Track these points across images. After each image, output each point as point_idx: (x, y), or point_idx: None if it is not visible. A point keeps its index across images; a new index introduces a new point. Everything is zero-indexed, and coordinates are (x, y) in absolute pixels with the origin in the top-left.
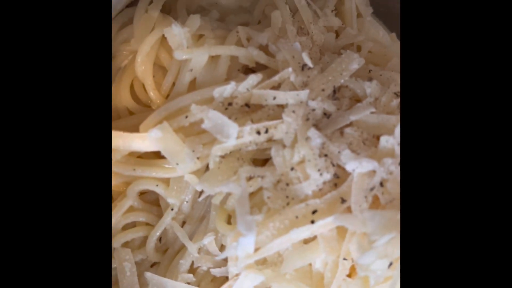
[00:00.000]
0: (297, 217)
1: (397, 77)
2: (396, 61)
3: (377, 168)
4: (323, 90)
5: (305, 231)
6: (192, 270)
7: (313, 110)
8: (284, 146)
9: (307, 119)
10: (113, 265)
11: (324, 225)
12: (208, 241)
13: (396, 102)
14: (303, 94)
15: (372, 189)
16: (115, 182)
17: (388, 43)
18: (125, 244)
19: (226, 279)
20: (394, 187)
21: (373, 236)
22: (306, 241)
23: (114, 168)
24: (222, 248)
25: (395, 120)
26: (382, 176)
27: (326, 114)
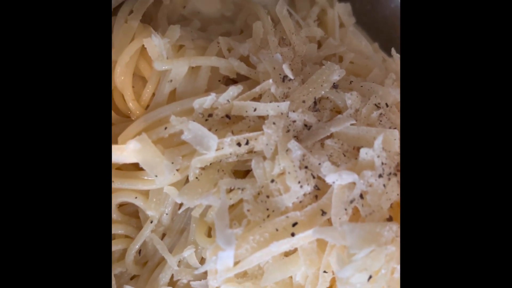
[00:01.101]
0: (277, 229)
1: (377, 88)
2: (377, 72)
3: (357, 180)
4: (303, 101)
5: (285, 244)
6: (172, 283)
7: (294, 121)
8: (264, 158)
9: (288, 131)
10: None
11: (304, 238)
12: (188, 254)
13: (376, 113)
14: (284, 105)
15: (352, 201)
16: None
17: (370, 54)
18: None
19: None
20: (374, 200)
21: (352, 249)
22: (287, 254)
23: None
24: (202, 260)
25: (375, 132)
26: (362, 189)
27: (307, 126)
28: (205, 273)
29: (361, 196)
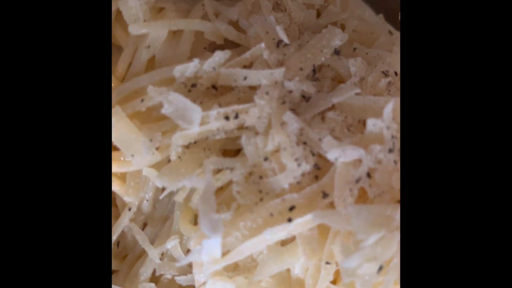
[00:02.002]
0: (271, 214)
1: (385, 55)
2: (384, 40)
3: (363, 156)
4: (301, 69)
5: (281, 231)
6: (154, 278)
7: (290, 92)
8: (256, 133)
9: (283, 102)
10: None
11: (303, 224)
12: (172, 245)
13: (385, 82)
14: (278, 73)
15: (358, 180)
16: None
17: (375, 22)
18: None
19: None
20: (384, 178)
21: (359, 235)
22: (283, 243)
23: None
24: (188, 253)
25: (383, 102)
26: (370, 166)
27: (305, 97)
28: (191, 266)
29: (369, 175)
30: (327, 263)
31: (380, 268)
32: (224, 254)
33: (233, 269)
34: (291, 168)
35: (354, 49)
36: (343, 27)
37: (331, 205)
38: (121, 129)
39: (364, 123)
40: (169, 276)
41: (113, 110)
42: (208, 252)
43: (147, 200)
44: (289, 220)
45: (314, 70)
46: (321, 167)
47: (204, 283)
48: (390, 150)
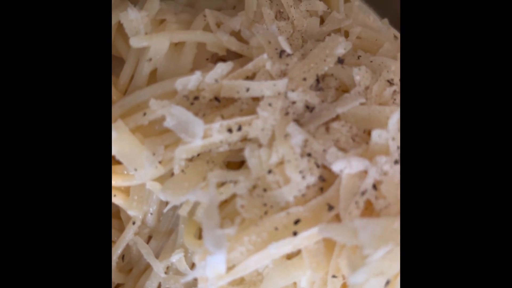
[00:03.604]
0: (276, 228)
1: (390, 63)
2: (388, 47)
3: (369, 167)
4: (304, 79)
5: (287, 245)
6: None
7: (293, 103)
8: (260, 146)
9: (287, 114)
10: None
11: (309, 237)
12: (177, 258)
13: (390, 90)
14: (281, 84)
15: (363, 193)
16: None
17: (379, 28)
18: None
19: None
20: (390, 190)
21: (366, 249)
22: (289, 257)
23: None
24: (193, 266)
25: (388, 112)
26: (375, 177)
27: (309, 107)
28: (196, 280)
29: (375, 187)
30: (334, 276)
31: (387, 283)
32: (229, 269)
33: (239, 283)
34: (296, 181)
35: (358, 57)
36: (346, 34)
37: (337, 218)
38: (124, 143)
39: (369, 133)
40: None
41: (115, 124)
42: (212, 267)
43: (151, 214)
44: (295, 234)
45: (317, 80)
46: (326, 179)
47: None
48: (396, 162)
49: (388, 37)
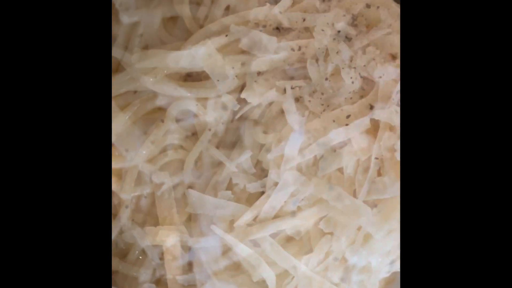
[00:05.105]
0: (334, 120)
1: None
2: None
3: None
4: (344, 15)
5: (341, 133)
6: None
7: (338, 31)
8: (317, 60)
9: (334, 39)
10: (150, 191)
11: (359, 125)
12: (245, 157)
13: None
14: (330, 15)
15: (398, 92)
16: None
17: None
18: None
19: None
20: None
21: None
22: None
23: (157, 89)
24: (258, 163)
25: None
26: None
27: (347, 37)
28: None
29: None
30: (376, 158)
31: None
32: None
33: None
34: (347, 84)
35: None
36: None
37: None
38: (211, 58)
39: (393, 57)
40: (241, 186)
41: (204, 42)
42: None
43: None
44: (346, 125)
45: (352, 18)
46: (365, 88)
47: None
48: None
49: None
